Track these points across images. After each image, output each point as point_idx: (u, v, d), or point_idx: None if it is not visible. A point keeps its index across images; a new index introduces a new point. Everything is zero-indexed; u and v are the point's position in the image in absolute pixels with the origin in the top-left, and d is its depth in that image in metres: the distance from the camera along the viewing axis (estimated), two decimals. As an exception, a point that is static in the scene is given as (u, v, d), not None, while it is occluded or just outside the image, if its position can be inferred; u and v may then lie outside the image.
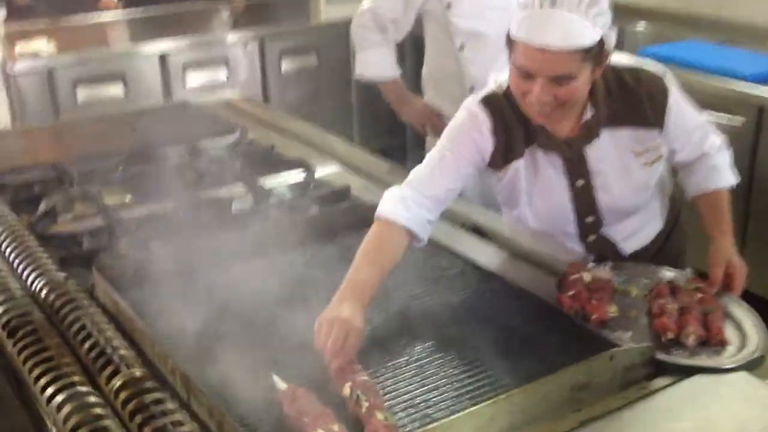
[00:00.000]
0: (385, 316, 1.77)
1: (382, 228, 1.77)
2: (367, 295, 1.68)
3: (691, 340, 1.68)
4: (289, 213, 2.25)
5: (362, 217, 2.18)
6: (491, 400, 1.41)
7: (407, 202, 1.78)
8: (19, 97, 4.06)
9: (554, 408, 1.48)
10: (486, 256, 2.05)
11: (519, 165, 1.93)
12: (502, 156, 1.91)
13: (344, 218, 2.20)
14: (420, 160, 1.97)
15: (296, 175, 2.52)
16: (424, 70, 2.96)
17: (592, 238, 2.04)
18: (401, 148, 4.95)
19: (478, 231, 2.21)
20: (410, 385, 1.55)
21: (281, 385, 1.50)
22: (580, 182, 1.94)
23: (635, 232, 2.09)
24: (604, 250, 2.03)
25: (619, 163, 1.90)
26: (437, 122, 2.86)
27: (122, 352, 1.58)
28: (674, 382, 1.59)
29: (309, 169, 2.53)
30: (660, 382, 1.59)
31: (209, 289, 1.88)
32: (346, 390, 1.47)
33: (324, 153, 2.77)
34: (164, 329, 1.67)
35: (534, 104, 1.76)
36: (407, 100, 2.96)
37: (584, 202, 1.98)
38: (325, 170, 2.59)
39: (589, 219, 2.01)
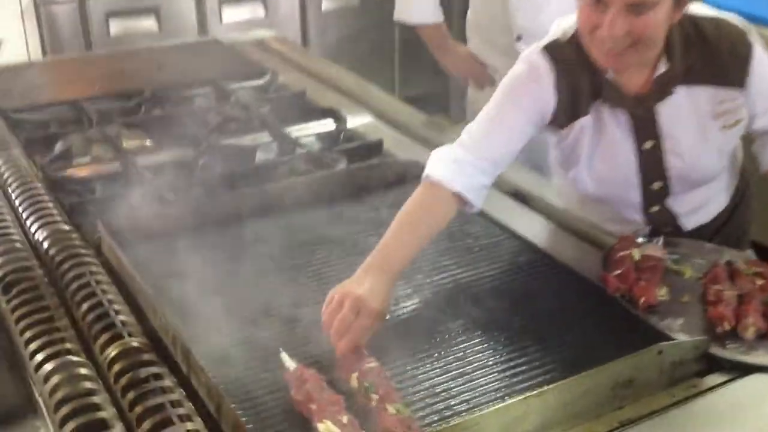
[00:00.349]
0: (407, 290, 1.62)
1: (428, 192, 1.58)
2: (397, 268, 1.48)
3: (749, 333, 1.50)
4: (316, 167, 2.08)
5: (394, 175, 2.03)
6: (522, 397, 1.25)
7: (462, 165, 1.60)
8: (51, 29, 3.93)
9: (593, 406, 1.32)
10: (525, 224, 1.88)
11: (584, 123, 1.72)
12: (566, 113, 1.69)
13: (375, 176, 2.04)
14: (462, 110, 1.78)
15: (326, 125, 2.35)
16: (469, 16, 2.74)
17: (655, 208, 1.84)
18: (444, 95, 4.74)
19: (518, 196, 2.03)
20: (432, 371, 1.40)
21: (290, 364, 1.36)
22: (649, 144, 1.74)
23: (700, 206, 1.88)
24: (664, 224, 1.84)
25: (695, 124, 1.69)
26: (480, 73, 2.66)
27: (123, 317, 1.45)
28: (729, 381, 1.41)
29: (340, 119, 2.36)
30: (712, 379, 1.42)
31: (224, 249, 1.75)
32: (353, 381, 1.32)
33: (359, 102, 2.59)
34: (171, 293, 1.54)
35: (605, 40, 1.55)
36: (449, 48, 2.75)
37: (652, 166, 1.77)
38: (358, 121, 2.41)
39: (656, 186, 1.80)
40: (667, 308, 1.59)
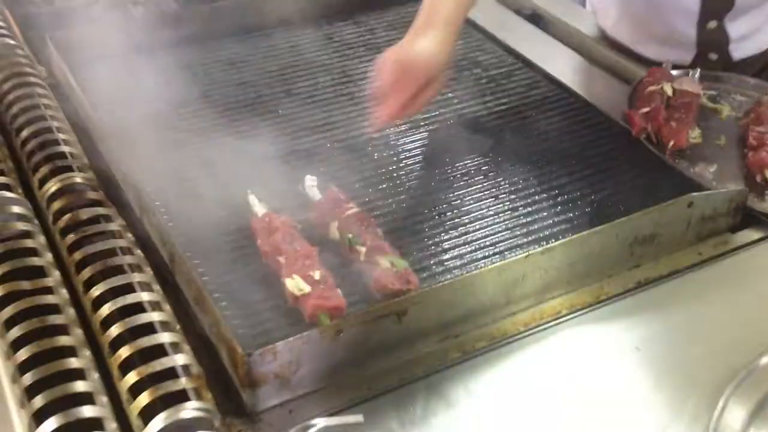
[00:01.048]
0: (400, 126, 1.41)
1: None
2: (453, 20, 1.22)
3: (794, 184, 1.30)
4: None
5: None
6: (524, 254, 1.07)
7: None
8: None
9: (606, 265, 1.14)
10: (541, 52, 1.64)
11: None
12: None
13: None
14: None
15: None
16: None
17: (712, 24, 1.57)
18: None
19: (536, 19, 1.77)
20: (425, 221, 1.21)
21: (258, 209, 1.17)
22: None
23: (754, 32, 1.62)
24: (712, 48, 1.59)
25: None
26: None
27: (70, 149, 1.25)
28: (765, 238, 1.23)
29: None
30: (746, 236, 1.24)
31: (195, 72, 1.53)
32: (333, 232, 1.14)
33: None
34: (128, 123, 1.34)
35: None
36: None
37: None
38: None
39: None
40: (698, 152, 1.39)
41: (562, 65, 1.63)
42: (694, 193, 1.18)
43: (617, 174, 1.30)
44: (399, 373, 1.00)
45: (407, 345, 1.03)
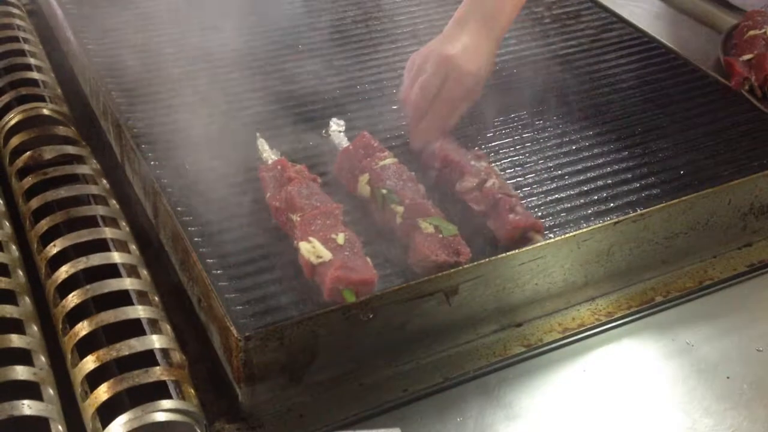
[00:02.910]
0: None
1: None
2: (503, 17, 1.02)
3: None
4: None
5: None
6: (611, 221, 0.82)
7: None
8: None
9: (713, 241, 0.89)
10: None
11: None
12: None
13: None
14: None
15: None
16: None
17: None
18: None
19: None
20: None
21: (268, 154, 0.93)
22: None
23: None
24: None
25: None
26: None
27: (39, 76, 1.02)
28: None
29: None
30: None
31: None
32: (363, 187, 0.89)
33: None
34: (115, 52, 1.10)
35: None
36: None
37: None
38: None
39: None
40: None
41: (637, 8, 1.37)
42: (823, 154, 0.93)
43: (715, 131, 1.05)
44: (445, 370, 0.77)
45: (456, 334, 0.79)
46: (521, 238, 0.84)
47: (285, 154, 0.93)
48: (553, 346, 0.81)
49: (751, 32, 1.19)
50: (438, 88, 0.96)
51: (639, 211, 0.83)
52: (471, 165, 0.91)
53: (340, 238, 0.80)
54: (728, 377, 0.78)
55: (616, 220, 0.82)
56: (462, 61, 0.96)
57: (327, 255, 0.78)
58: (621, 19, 1.30)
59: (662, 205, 0.84)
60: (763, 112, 1.08)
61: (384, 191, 0.87)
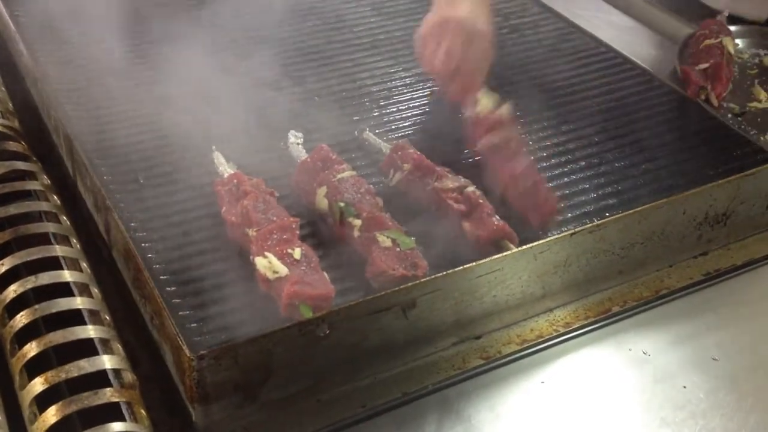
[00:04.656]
0: (405, 78, 1.16)
1: None
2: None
3: None
4: None
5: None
6: (567, 232, 0.82)
7: None
8: None
9: (668, 250, 0.89)
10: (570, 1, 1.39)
11: None
12: None
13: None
14: None
15: None
16: None
17: None
18: None
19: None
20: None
21: (224, 168, 0.92)
22: None
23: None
24: None
25: None
26: None
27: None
28: None
29: None
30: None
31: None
32: (321, 200, 0.88)
33: None
34: (67, 62, 1.08)
35: None
36: None
37: None
38: None
39: None
40: (767, 119, 1.14)
41: (595, 17, 1.38)
42: (777, 163, 0.94)
43: (671, 141, 1.06)
44: (403, 385, 0.76)
45: (414, 348, 0.79)
46: (495, 244, 0.84)
47: (242, 167, 0.92)
48: (512, 358, 0.80)
49: (707, 41, 1.20)
50: (462, 52, 1.00)
51: (595, 222, 0.84)
52: (446, 172, 0.92)
53: (297, 253, 0.79)
54: (685, 386, 0.78)
55: (572, 231, 0.82)
56: (477, 23, 1.02)
57: (283, 270, 0.77)
58: (579, 29, 1.30)
59: (618, 215, 0.84)
60: (718, 121, 1.09)
61: (341, 204, 0.86)
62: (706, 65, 1.15)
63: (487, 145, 0.95)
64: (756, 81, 1.22)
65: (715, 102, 1.13)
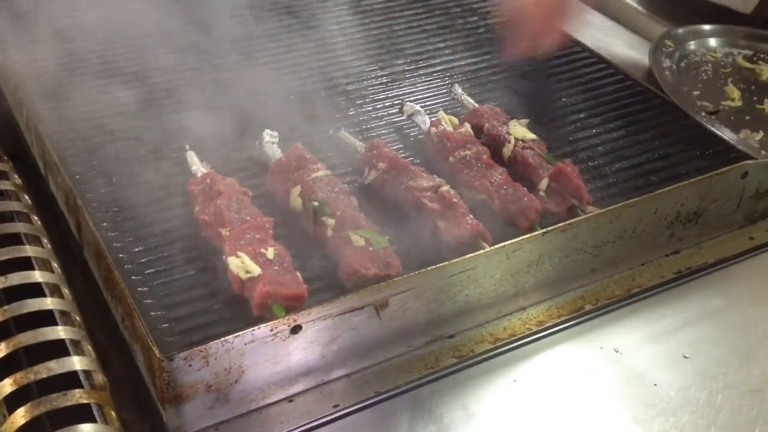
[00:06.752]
0: (380, 77, 1.16)
1: None
2: None
3: None
4: None
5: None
6: (539, 231, 0.83)
7: None
8: None
9: (640, 249, 0.90)
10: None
11: None
12: None
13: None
14: None
15: None
16: None
17: None
18: None
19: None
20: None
21: (197, 167, 0.91)
22: None
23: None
24: None
25: None
26: None
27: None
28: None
29: None
30: (803, 218, 1.01)
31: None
32: (295, 199, 0.88)
33: None
34: (40, 63, 1.07)
35: None
36: None
37: None
38: None
39: None
40: (740, 118, 1.16)
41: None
42: (749, 161, 0.95)
43: (645, 140, 1.06)
44: (376, 384, 0.76)
45: (387, 347, 0.79)
46: (469, 243, 0.84)
47: (215, 167, 0.92)
48: (485, 356, 0.81)
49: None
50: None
51: (567, 221, 0.84)
52: (421, 171, 0.92)
53: (270, 253, 0.79)
54: (656, 384, 0.79)
55: (544, 230, 0.82)
56: None
57: (256, 270, 0.77)
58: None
59: (590, 214, 0.85)
60: (692, 119, 1.10)
61: (315, 204, 0.86)
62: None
63: (459, 158, 0.94)
64: (729, 80, 1.23)
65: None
